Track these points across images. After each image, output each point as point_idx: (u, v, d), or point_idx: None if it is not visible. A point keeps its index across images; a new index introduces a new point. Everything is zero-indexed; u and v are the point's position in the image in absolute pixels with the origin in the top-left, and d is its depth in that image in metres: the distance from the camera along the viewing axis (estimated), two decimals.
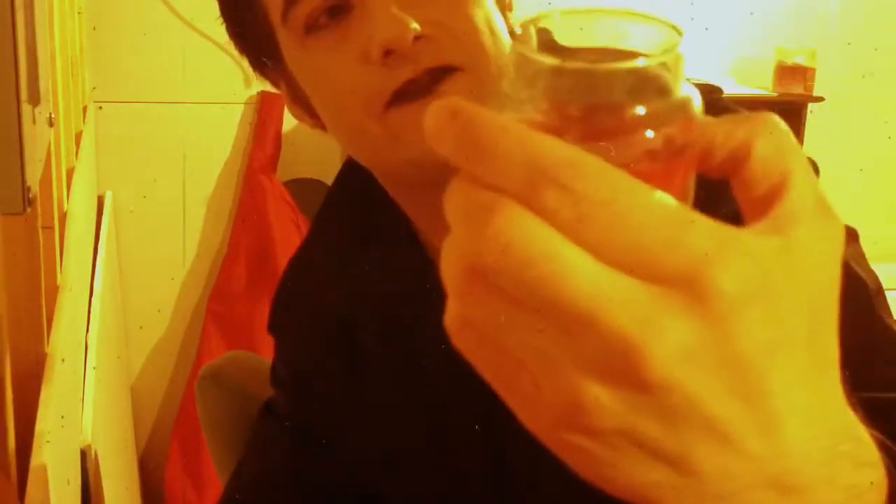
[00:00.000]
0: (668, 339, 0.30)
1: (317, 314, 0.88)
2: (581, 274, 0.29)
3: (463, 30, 0.70)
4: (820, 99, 2.59)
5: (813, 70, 2.60)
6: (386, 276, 0.82)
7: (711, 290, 0.30)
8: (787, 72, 2.61)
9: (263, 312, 2.82)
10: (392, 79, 0.69)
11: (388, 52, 0.68)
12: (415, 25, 0.68)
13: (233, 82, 2.52)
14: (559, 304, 0.29)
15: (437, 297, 0.81)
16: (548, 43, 0.34)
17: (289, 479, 0.90)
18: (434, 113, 0.31)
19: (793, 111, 2.56)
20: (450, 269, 0.32)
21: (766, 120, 0.34)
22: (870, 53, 2.87)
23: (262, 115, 2.53)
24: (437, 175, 0.67)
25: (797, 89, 2.59)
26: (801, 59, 2.60)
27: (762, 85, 2.67)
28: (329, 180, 3.04)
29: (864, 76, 2.87)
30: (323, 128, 0.80)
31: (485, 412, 0.80)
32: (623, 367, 0.30)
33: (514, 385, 0.32)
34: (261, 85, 2.56)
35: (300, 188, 2.57)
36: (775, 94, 2.60)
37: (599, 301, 0.29)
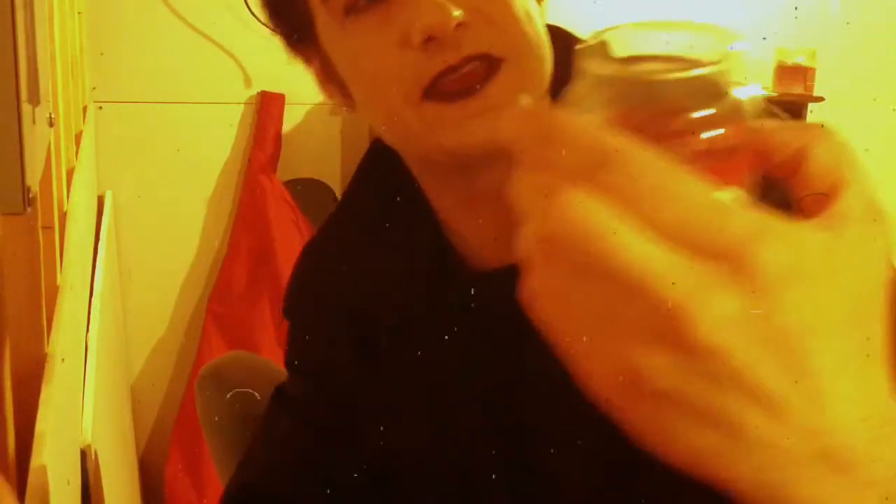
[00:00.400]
0: (713, 307, 0.33)
1: (331, 301, 0.88)
2: (635, 248, 0.33)
3: (503, 18, 0.71)
4: (820, 99, 2.60)
5: (813, 70, 2.60)
6: (405, 263, 0.82)
7: (754, 266, 0.33)
8: (787, 72, 2.61)
9: (263, 312, 2.81)
10: (431, 65, 0.69)
11: (429, 38, 0.69)
12: (457, 13, 0.68)
13: (233, 82, 2.52)
14: (615, 274, 0.33)
15: (454, 283, 0.80)
16: (609, 55, 0.37)
17: (300, 464, 0.90)
18: (510, 114, 0.36)
19: (793, 111, 2.56)
20: (526, 242, 0.35)
21: (823, 130, 0.38)
22: (870, 53, 2.86)
23: (262, 115, 2.53)
24: (469, 160, 0.69)
25: (797, 89, 2.59)
26: (801, 59, 2.61)
27: (762, 85, 2.67)
28: (329, 180, 3.03)
29: (864, 76, 2.86)
30: (354, 108, 0.80)
31: (501, 402, 0.79)
32: (672, 331, 0.33)
33: (578, 350, 0.35)
34: (261, 85, 2.57)
35: (300, 188, 2.57)
36: (775, 94, 2.60)
37: (651, 271, 0.33)
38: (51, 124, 0.86)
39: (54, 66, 1.25)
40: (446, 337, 0.80)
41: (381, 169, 0.85)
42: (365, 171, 0.88)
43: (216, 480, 1.22)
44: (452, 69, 0.69)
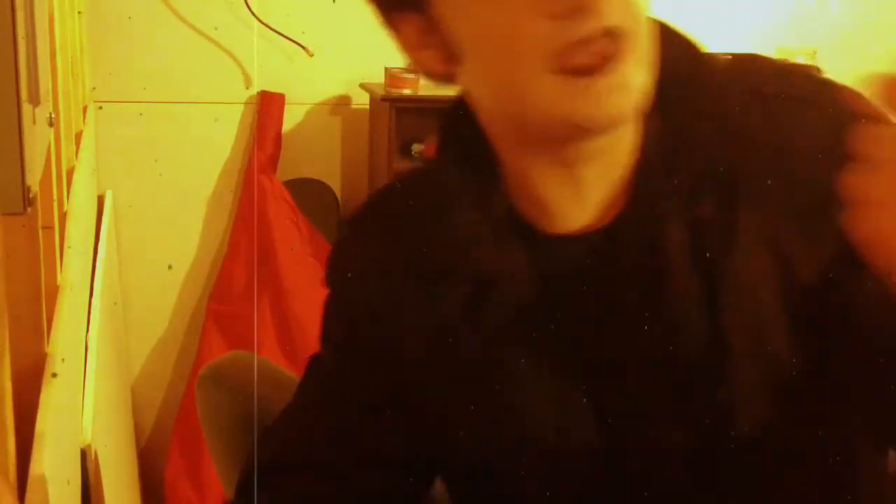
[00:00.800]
0: None
1: (391, 265, 0.87)
2: None
3: None
4: None
5: None
6: (480, 227, 0.82)
7: None
8: None
9: (264, 312, 2.80)
10: (568, 35, 0.70)
11: (575, 8, 0.70)
12: None
13: (233, 82, 2.52)
14: None
15: (533, 246, 0.82)
16: None
17: (333, 438, 0.89)
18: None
19: None
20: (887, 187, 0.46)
21: None
22: (870, 53, 2.86)
23: (262, 115, 2.53)
24: (582, 132, 0.75)
25: None
26: (801, 60, 2.60)
27: None
28: (329, 180, 3.03)
29: (864, 76, 2.86)
30: (448, 79, 0.80)
31: (580, 366, 0.81)
32: None
33: None
34: (261, 85, 2.57)
35: (300, 188, 2.57)
36: None
37: None
38: (51, 124, 0.86)
39: (54, 66, 1.25)
40: (524, 299, 0.81)
41: (462, 133, 0.85)
42: (449, 136, 0.88)
43: (216, 480, 1.22)
44: (585, 42, 0.71)
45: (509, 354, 0.82)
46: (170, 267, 2.60)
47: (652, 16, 0.78)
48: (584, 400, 0.81)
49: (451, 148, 0.87)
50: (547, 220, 0.82)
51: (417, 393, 0.86)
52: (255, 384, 1.12)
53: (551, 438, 0.82)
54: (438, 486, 0.97)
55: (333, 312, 0.93)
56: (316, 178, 2.61)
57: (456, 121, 0.85)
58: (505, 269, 0.81)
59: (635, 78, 0.72)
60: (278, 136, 2.55)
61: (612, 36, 0.71)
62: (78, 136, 1.82)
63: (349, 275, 0.91)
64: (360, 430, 0.89)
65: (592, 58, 0.71)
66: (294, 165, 2.59)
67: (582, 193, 0.80)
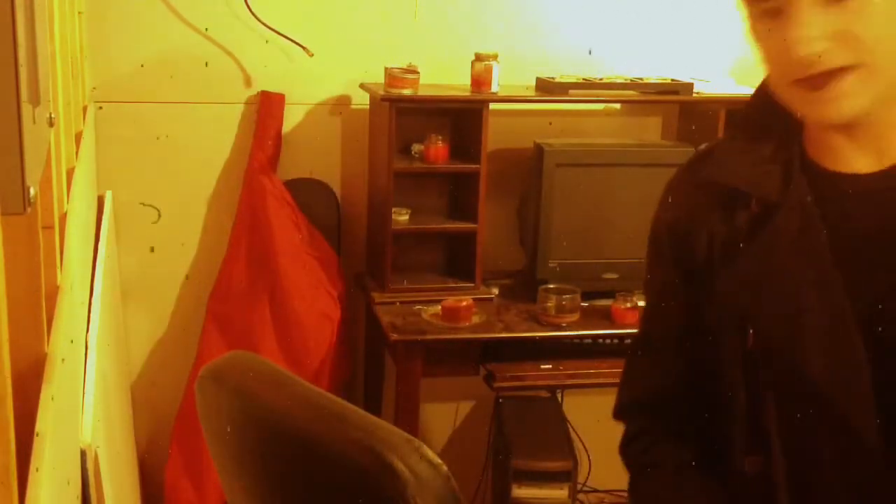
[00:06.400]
0: None
1: (705, 184, 1.10)
2: None
3: (865, 33, 0.91)
4: None
5: None
6: (776, 161, 1.06)
7: None
8: None
9: (263, 312, 2.80)
10: (802, 71, 0.95)
11: (812, 78, 0.94)
12: (819, 47, 0.92)
13: (233, 82, 2.53)
14: None
15: (819, 179, 1.06)
16: None
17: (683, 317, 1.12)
18: None
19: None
20: None
21: None
22: None
23: (262, 115, 2.53)
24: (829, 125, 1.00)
25: None
26: None
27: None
28: (329, 180, 3.02)
29: None
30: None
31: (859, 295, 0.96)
32: None
33: None
34: (261, 85, 2.57)
35: (300, 188, 2.57)
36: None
37: None
38: (51, 124, 0.87)
39: (54, 66, 1.25)
40: (804, 220, 1.00)
41: (766, 97, 1.08)
42: (758, 97, 1.12)
43: (216, 480, 1.22)
44: (815, 78, 0.94)
45: (789, 264, 1.02)
46: (170, 267, 2.60)
47: None
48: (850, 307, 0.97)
49: (747, 119, 1.12)
50: (831, 160, 1.02)
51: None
52: (255, 384, 1.12)
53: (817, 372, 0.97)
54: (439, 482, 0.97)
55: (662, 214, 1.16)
56: (316, 178, 2.61)
57: (756, 99, 1.11)
58: (792, 195, 1.02)
59: (857, 90, 0.93)
60: (278, 136, 2.55)
61: (843, 70, 0.92)
62: (78, 136, 1.82)
63: (669, 199, 1.16)
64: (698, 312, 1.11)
65: (818, 80, 0.93)
66: (294, 165, 2.59)
67: (860, 144, 1.00)
